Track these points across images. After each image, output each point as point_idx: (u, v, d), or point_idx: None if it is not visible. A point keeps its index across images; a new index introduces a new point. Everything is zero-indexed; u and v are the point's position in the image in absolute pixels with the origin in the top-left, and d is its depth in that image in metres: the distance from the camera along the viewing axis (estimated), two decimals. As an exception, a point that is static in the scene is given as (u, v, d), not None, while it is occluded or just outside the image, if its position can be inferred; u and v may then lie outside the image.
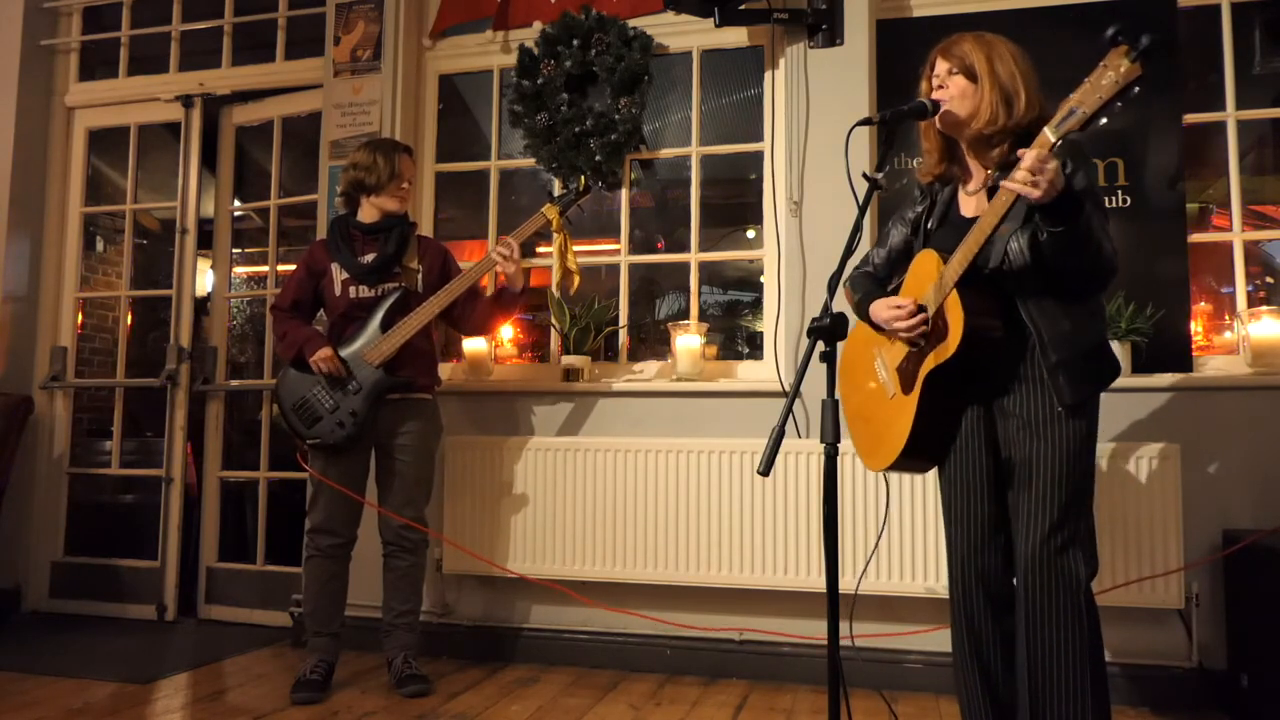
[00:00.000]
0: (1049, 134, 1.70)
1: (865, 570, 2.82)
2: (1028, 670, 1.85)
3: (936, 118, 1.99)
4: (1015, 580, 1.92)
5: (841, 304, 1.87)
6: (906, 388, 1.97)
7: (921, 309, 1.93)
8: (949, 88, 1.97)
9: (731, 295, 4.52)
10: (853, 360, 2.19)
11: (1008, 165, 1.88)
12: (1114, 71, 1.60)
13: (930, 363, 1.91)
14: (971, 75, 1.95)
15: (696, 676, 3.10)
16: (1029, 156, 1.69)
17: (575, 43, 3.43)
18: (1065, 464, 1.86)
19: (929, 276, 1.95)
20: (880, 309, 2.02)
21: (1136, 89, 1.60)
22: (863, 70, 3.18)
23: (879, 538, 2.87)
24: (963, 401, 1.99)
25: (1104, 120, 1.65)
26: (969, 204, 2.03)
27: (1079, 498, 1.88)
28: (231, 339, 4.51)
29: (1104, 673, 1.87)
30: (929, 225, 2.09)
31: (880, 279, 2.21)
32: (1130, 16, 3.00)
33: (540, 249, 3.72)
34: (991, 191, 1.96)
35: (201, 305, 4.31)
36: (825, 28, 3.21)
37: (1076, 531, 1.86)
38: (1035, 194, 1.69)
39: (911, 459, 2.01)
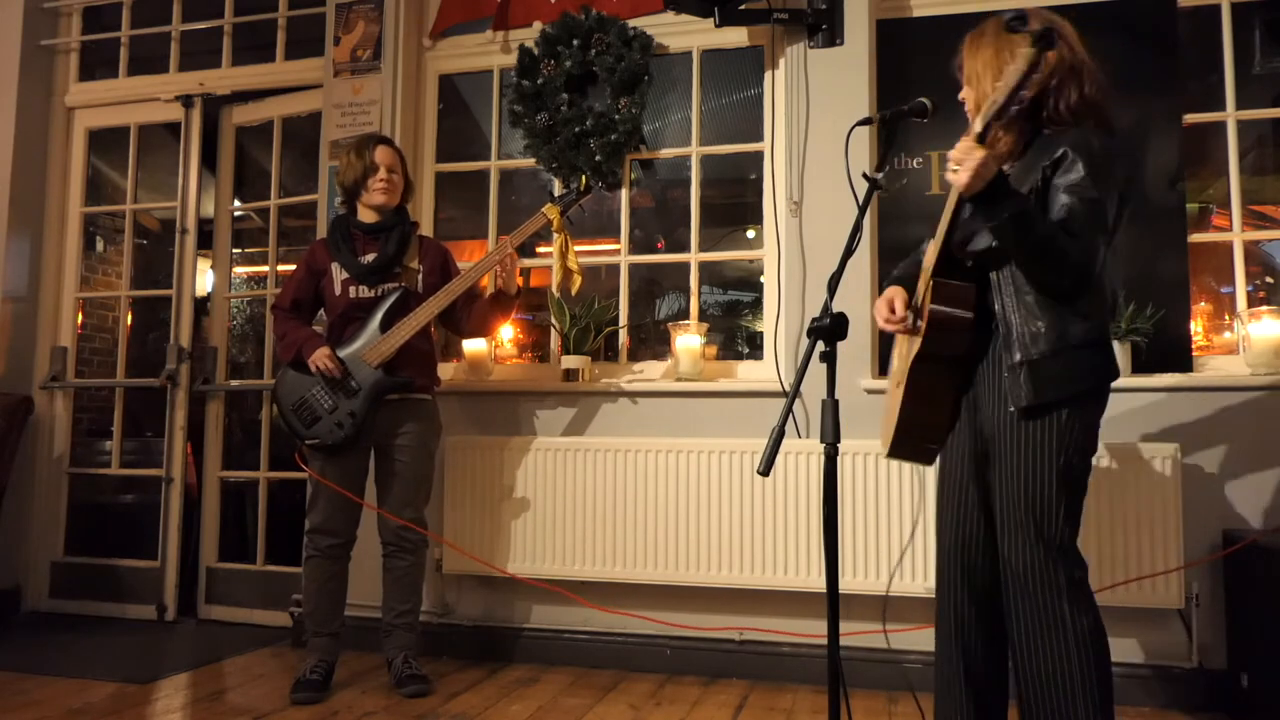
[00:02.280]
0: (976, 124, 1.76)
1: (898, 565, 2.83)
2: (1021, 681, 1.84)
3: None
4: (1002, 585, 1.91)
5: (841, 304, 1.87)
6: (903, 376, 1.99)
7: (913, 309, 1.97)
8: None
9: (731, 295, 4.51)
10: (896, 355, 2.19)
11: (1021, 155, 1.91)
12: (1021, 59, 1.68)
13: (912, 349, 1.94)
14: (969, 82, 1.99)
15: (696, 676, 3.10)
16: (957, 147, 1.75)
17: (575, 43, 3.43)
18: (1029, 473, 1.82)
19: (930, 267, 1.97)
20: (879, 302, 2.05)
21: (1035, 74, 1.69)
22: (863, 70, 3.18)
23: (910, 538, 2.88)
24: (948, 392, 1.98)
25: (1015, 108, 1.75)
26: None
27: (1050, 504, 1.81)
28: (231, 339, 4.51)
29: (1100, 677, 1.81)
30: (963, 214, 2.09)
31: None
32: (1130, 16, 3.01)
33: (540, 249, 3.72)
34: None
35: (201, 305, 4.31)
36: (825, 28, 3.21)
37: (1047, 538, 1.80)
38: (958, 181, 1.73)
39: (903, 446, 2.01)
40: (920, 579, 2.89)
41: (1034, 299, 1.84)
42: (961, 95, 2.01)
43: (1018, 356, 1.83)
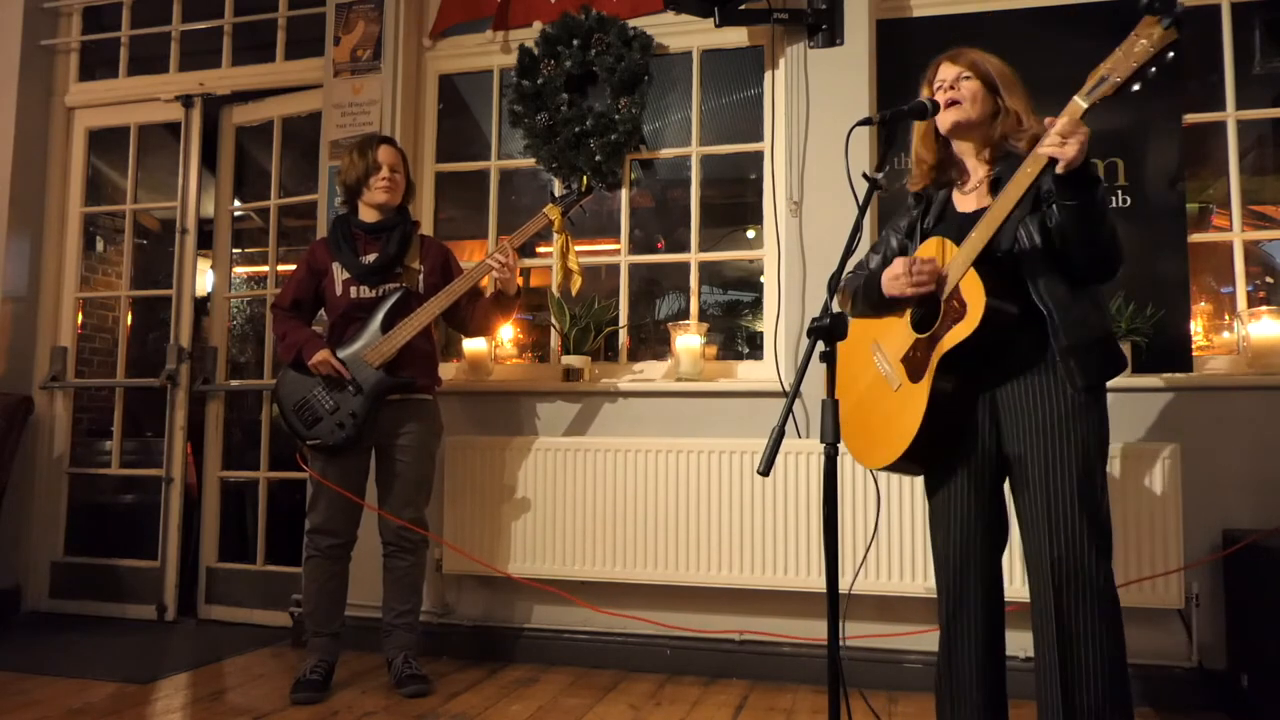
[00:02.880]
0: (1079, 101, 1.73)
1: (862, 564, 2.82)
2: (1060, 679, 1.83)
3: (946, 122, 1.99)
4: (1033, 586, 1.90)
5: (841, 304, 1.87)
6: (915, 376, 1.93)
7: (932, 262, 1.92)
8: (961, 90, 1.98)
9: (731, 295, 4.52)
10: (845, 357, 2.13)
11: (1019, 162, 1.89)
12: (1146, 39, 1.64)
13: (947, 343, 1.87)
14: (988, 80, 1.98)
15: (696, 676, 3.10)
16: (1060, 122, 1.72)
17: (575, 43, 3.43)
18: (1081, 465, 1.85)
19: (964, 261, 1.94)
20: (893, 267, 1.97)
21: (1171, 54, 1.64)
22: (863, 70, 3.18)
23: (872, 537, 2.87)
24: (974, 393, 1.95)
25: (1136, 87, 1.69)
26: (966, 201, 2.04)
27: (1098, 499, 1.86)
28: (231, 339, 4.51)
29: (1127, 671, 1.86)
30: (925, 224, 2.08)
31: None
32: (1130, 16, 3.00)
33: (540, 249, 3.72)
34: (994, 185, 1.97)
35: (201, 305, 4.31)
36: (825, 28, 3.21)
37: (1096, 534, 1.84)
38: (1066, 153, 1.71)
39: (917, 454, 1.94)
40: (920, 579, 2.88)
41: (1066, 290, 1.86)
42: (958, 95, 1.98)
43: (1066, 341, 1.85)
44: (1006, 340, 1.88)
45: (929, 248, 1.99)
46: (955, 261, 1.89)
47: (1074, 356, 1.84)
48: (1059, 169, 1.73)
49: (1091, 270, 1.87)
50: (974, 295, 1.84)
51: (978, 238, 1.85)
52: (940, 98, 2.00)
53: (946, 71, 2.02)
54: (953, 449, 1.97)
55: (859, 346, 2.11)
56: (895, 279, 1.96)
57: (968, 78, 1.99)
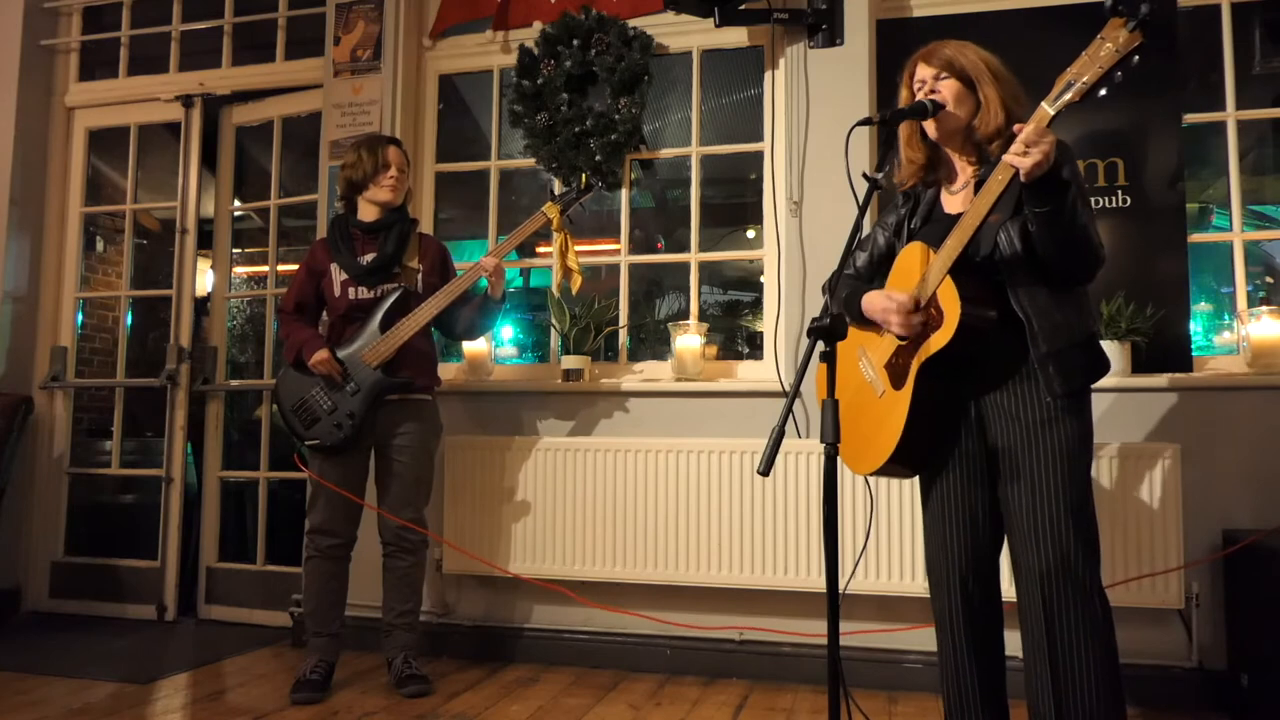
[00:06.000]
0: (1046, 108, 1.72)
1: (854, 570, 2.83)
2: (1051, 683, 1.83)
3: (933, 120, 1.98)
4: (1021, 590, 1.89)
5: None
6: (897, 383, 1.94)
7: (918, 304, 1.91)
8: (942, 91, 1.97)
9: (731, 295, 4.52)
10: (857, 359, 2.16)
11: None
12: (1112, 42, 1.62)
13: (924, 353, 1.87)
14: (964, 77, 1.96)
15: (696, 676, 3.10)
16: (1027, 129, 1.71)
17: (575, 43, 3.43)
18: (1066, 467, 1.84)
19: (916, 268, 1.94)
20: (876, 299, 1.98)
21: (1137, 58, 1.61)
22: (863, 70, 3.18)
23: (866, 537, 2.87)
24: (956, 397, 1.95)
25: (1103, 92, 1.67)
26: (954, 202, 2.03)
27: (1083, 502, 1.85)
28: (231, 339, 4.51)
29: (1119, 672, 1.86)
30: (912, 225, 2.07)
31: (864, 280, 2.18)
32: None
33: (541, 249, 3.72)
34: (980, 185, 1.95)
35: (201, 305, 4.31)
36: (825, 28, 3.21)
37: (1083, 537, 1.83)
38: (1026, 164, 1.69)
39: (902, 459, 1.95)
40: (920, 578, 2.88)
41: (1045, 293, 1.85)
42: (940, 97, 1.97)
43: (1044, 348, 1.84)
44: (988, 347, 1.88)
45: (911, 253, 1.98)
46: (933, 268, 1.88)
47: (1053, 363, 1.84)
48: (1022, 177, 1.73)
49: (1069, 273, 1.86)
50: (950, 303, 1.83)
51: (953, 245, 1.84)
52: (921, 97, 1.99)
53: (923, 71, 2.01)
54: (941, 453, 1.97)
55: (847, 352, 2.11)
56: (884, 313, 1.95)
57: (945, 77, 1.97)
